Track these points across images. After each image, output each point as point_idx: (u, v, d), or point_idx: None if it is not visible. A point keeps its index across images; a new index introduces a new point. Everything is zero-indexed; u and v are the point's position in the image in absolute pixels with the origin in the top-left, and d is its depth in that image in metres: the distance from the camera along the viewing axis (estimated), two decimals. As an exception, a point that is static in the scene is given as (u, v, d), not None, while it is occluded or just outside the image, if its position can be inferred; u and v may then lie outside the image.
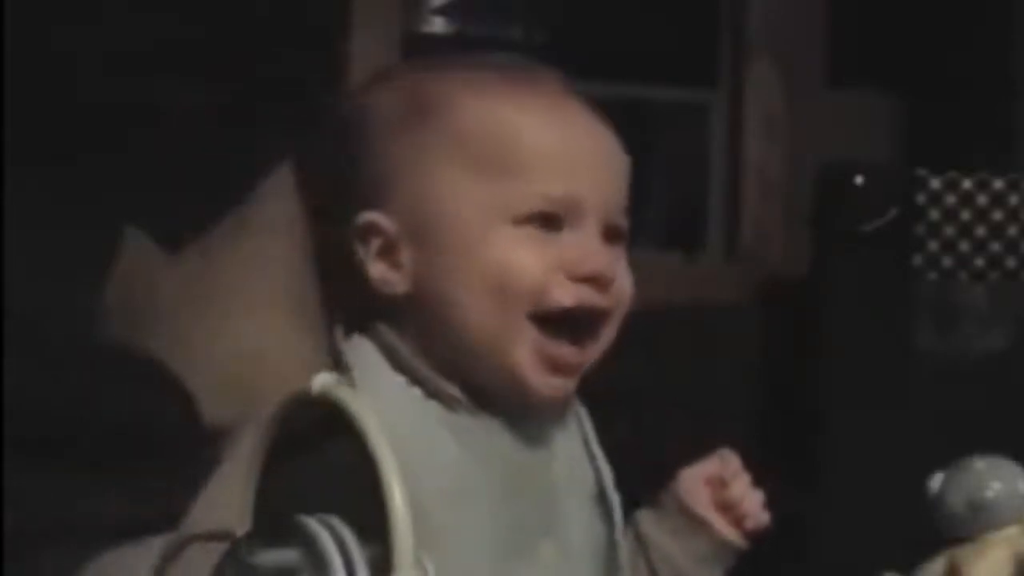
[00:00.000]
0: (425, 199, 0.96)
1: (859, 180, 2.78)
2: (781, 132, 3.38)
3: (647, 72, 3.46)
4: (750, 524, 1.08)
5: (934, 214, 2.78)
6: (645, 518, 1.08)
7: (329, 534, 0.76)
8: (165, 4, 2.81)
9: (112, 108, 2.71)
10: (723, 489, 1.07)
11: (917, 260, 2.78)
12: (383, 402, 0.91)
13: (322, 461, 0.83)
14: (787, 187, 3.34)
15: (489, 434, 0.97)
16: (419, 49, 3.26)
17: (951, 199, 2.79)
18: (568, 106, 1.00)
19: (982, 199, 2.80)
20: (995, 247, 2.80)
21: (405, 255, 0.96)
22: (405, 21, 3.21)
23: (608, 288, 0.98)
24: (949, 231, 2.78)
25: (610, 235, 1.00)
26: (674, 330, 3.08)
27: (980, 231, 2.79)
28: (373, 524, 0.75)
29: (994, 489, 1.24)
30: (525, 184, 0.95)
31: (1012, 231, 2.80)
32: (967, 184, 2.79)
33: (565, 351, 0.97)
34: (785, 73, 3.38)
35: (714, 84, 3.50)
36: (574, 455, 1.03)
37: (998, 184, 2.80)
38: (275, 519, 0.81)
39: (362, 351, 0.98)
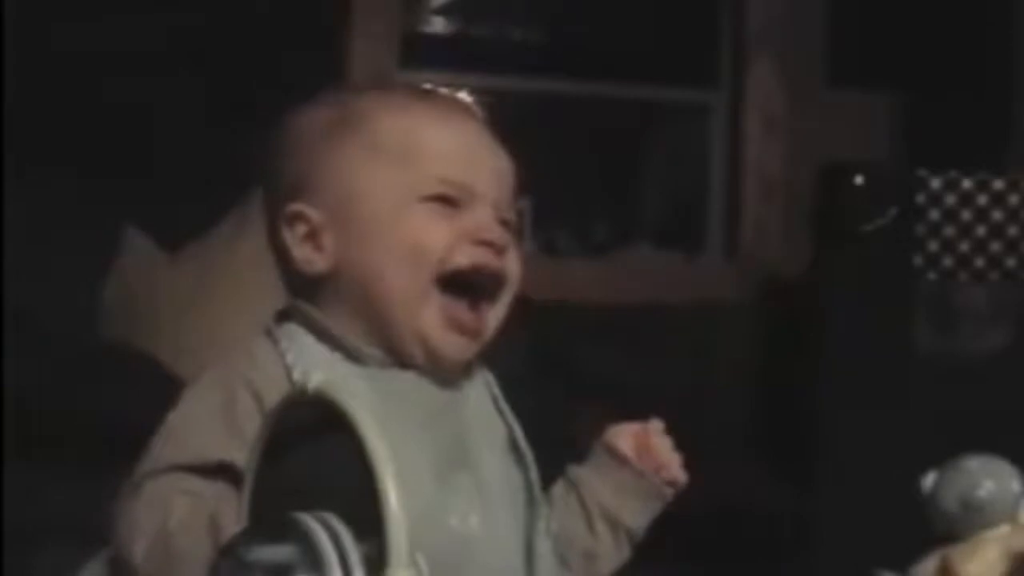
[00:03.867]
0: (346, 190, 1.13)
1: (859, 180, 2.78)
2: (781, 132, 3.38)
3: (647, 72, 3.47)
4: (668, 476, 1.22)
5: (934, 214, 2.78)
6: (576, 467, 1.24)
7: (325, 531, 0.76)
8: (165, 4, 2.81)
9: (113, 108, 2.71)
10: (646, 442, 1.22)
11: (917, 260, 2.78)
12: (311, 367, 1.05)
13: (317, 459, 0.84)
14: (787, 187, 3.34)
15: (402, 383, 1.12)
16: (419, 49, 3.27)
17: (951, 199, 2.78)
18: (465, 119, 1.21)
19: (982, 199, 2.79)
20: (995, 247, 2.80)
21: (327, 238, 1.13)
22: (405, 21, 3.21)
23: (502, 254, 1.15)
24: (949, 231, 2.78)
25: (502, 225, 1.16)
26: (674, 330, 3.08)
27: (980, 231, 2.79)
28: (368, 521, 0.76)
29: (987, 488, 1.25)
30: (428, 171, 1.13)
31: (1012, 231, 2.80)
32: (967, 184, 2.79)
33: (465, 314, 1.13)
34: (785, 73, 3.39)
35: (714, 84, 3.50)
36: (485, 411, 1.18)
37: (998, 184, 2.80)
38: (271, 516, 0.81)
39: (292, 331, 1.14)
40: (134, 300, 2.58)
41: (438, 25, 3.43)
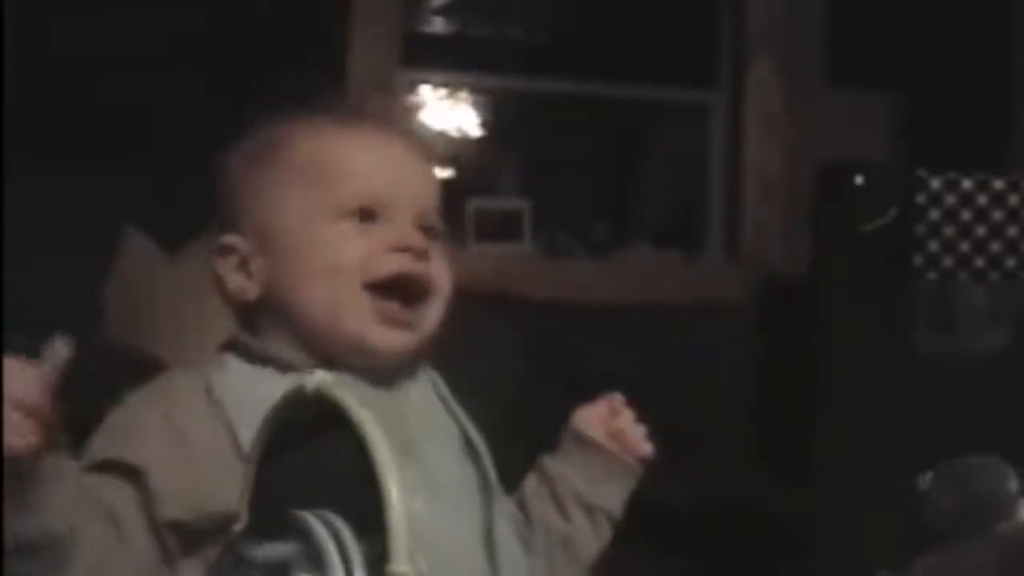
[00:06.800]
0: (268, 217, 1.17)
1: (859, 180, 2.77)
2: (781, 132, 3.38)
3: (647, 72, 3.47)
4: (636, 452, 1.27)
5: (934, 214, 2.78)
6: (545, 457, 1.28)
7: (325, 528, 0.76)
8: (165, 4, 2.81)
9: (113, 108, 2.71)
10: (612, 420, 1.26)
11: (917, 260, 2.78)
12: (234, 389, 1.12)
13: (318, 457, 0.84)
14: (787, 187, 3.34)
15: None
16: (419, 49, 3.27)
17: (951, 199, 2.78)
18: (383, 135, 1.23)
19: (982, 199, 2.79)
20: (995, 247, 2.80)
21: (256, 266, 1.17)
22: (405, 21, 3.21)
23: (423, 258, 1.18)
24: (949, 231, 2.78)
25: (425, 233, 1.20)
26: (674, 330, 3.08)
27: (980, 231, 2.79)
28: (368, 518, 0.76)
29: (986, 488, 1.25)
30: (344, 189, 1.17)
31: (1012, 231, 2.80)
32: (967, 184, 2.79)
33: (396, 307, 1.16)
34: (785, 73, 3.39)
35: (714, 84, 3.50)
36: (430, 409, 1.21)
37: (998, 184, 2.80)
38: (272, 514, 0.81)
39: (224, 358, 1.18)
40: (134, 300, 2.58)
41: (438, 25, 3.43)
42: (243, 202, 1.19)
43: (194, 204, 2.69)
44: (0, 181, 2.58)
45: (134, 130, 2.73)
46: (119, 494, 1.07)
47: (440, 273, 1.20)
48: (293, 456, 0.86)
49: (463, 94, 3.43)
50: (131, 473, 1.07)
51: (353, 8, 3.04)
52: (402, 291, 1.17)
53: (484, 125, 3.46)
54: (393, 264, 1.16)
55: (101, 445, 1.11)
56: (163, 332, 2.48)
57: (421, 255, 1.17)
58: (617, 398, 1.27)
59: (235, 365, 1.17)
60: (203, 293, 2.56)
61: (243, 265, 1.18)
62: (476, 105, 3.45)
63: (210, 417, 1.10)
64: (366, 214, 1.16)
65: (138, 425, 1.11)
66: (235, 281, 1.18)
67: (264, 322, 1.18)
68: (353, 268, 1.15)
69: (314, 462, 0.84)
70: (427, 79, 3.33)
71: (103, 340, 2.52)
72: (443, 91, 3.38)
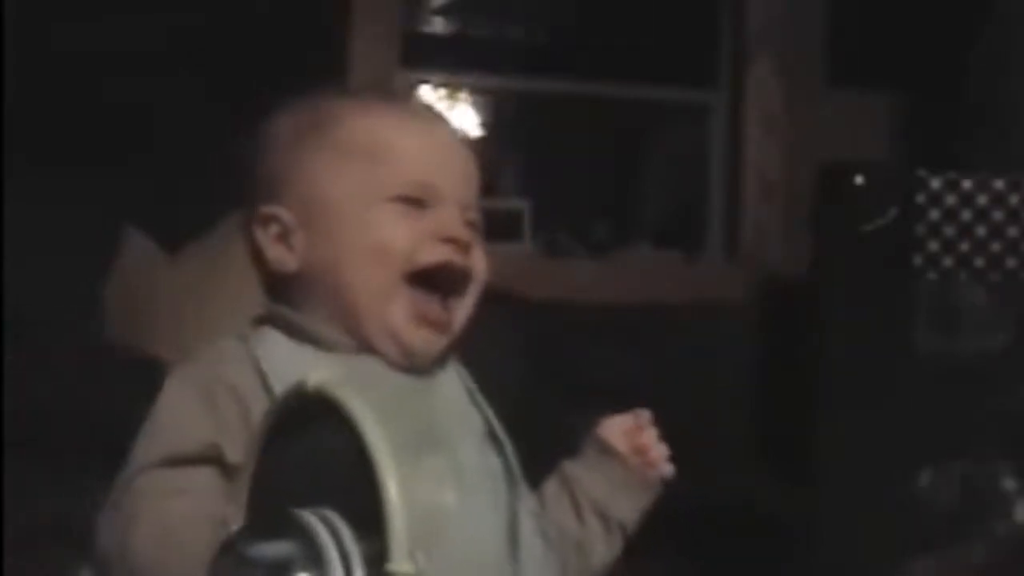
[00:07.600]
0: (315, 191, 1.17)
1: (859, 180, 2.77)
2: (781, 132, 3.38)
3: (647, 72, 3.47)
4: (658, 472, 1.26)
5: (934, 214, 2.78)
6: (567, 462, 1.28)
7: (324, 527, 0.77)
8: (165, 4, 2.81)
9: (113, 108, 2.71)
10: (637, 435, 1.26)
11: (917, 260, 2.78)
12: (277, 363, 1.11)
13: (317, 455, 0.84)
14: (787, 187, 3.34)
15: (372, 366, 1.15)
16: (419, 49, 3.27)
17: (951, 199, 2.78)
18: (433, 123, 1.24)
19: (982, 199, 2.79)
20: (995, 247, 2.80)
21: (297, 239, 1.17)
22: (405, 21, 3.22)
23: (467, 252, 1.18)
24: (949, 231, 2.78)
25: (468, 226, 1.20)
26: (674, 330, 3.08)
27: (980, 231, 2.79)
28: (367, 517, 0.76)
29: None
30: (394, 172, 1.17)
31: (1012, 231, 2.80)
32: (967, 184, 2.79)
33: (434, 308, 1.17)
34: (785, 73, 3.39)
35: (714, 84, 3.50)
36: (458, 401, 1.21)
37: (998, 184, 2.80)
38: (271, 512, 0.81)
39: (262, 331, 1.17)
40: (134, 300, 2.58)
41: (438, 25, 3.43)
42: (288, 173, 1.18)
43: (194, 204, 2.71)
44: (0, 181, 2.58)
45: (134, 130, 2.74)
46: (218, 487, 1.02)
47: (478, 269, 1.20)
48: (293, 454, 0.86)
49: (463, 94, 3.43)
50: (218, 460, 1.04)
51: (353, 8, 3.05)
52: (443, 282, 1.17)
53: (484, 125, 3.47)
54: (439, 253, 1.16)
55: (193, 433, 1.05)
56: (163, 332, 2.48)
57: (465, 247, 1.18)
58: (644, 415, 1.27)
59: (275, 337, 1.16)
60: (203, 293, 2.57)
61: (284, 236, 1.17)
62: (476, 105, 3.45)
63: (260, 389, 1.08)
64: (414, 200, 1.16)
65: (219, 408, 1.07)
66: (275, 251, 1.17)
67: (301, 298, 1.17)
68: (397, 253, 1.15)
69: (314, 460, 0.84)
70: (427, 79, 3.33)
71: (103, 340, 2.53)
72: (443, 91, 3.39)
